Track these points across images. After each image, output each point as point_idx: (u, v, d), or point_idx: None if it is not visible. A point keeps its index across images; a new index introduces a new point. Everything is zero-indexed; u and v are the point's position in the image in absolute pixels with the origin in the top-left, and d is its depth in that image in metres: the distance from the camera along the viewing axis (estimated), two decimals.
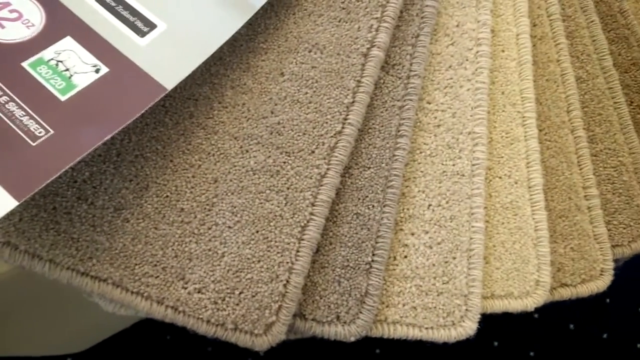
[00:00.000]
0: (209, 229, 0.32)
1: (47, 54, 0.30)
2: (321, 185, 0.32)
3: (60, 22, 0.31)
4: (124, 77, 0.29)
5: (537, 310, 0.35)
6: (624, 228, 0.38)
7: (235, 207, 0.32)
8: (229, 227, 0.32)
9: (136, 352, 0.73)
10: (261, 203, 0.32)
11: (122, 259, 0.31)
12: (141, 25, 0.31)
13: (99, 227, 0.31)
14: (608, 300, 0.76)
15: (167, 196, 0.32)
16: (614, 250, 0.37)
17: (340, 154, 0.32)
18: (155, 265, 0.31)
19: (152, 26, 0.31)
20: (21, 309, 0.46)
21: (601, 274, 0.36)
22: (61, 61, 0.30)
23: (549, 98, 0.37)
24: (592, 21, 0.39)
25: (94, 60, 0.30)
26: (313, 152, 0.33)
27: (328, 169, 0.32)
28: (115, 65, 0.30)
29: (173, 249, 0.31)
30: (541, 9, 0.38)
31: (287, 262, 0.31)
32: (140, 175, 0.32)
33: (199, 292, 0.31)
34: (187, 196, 0.32)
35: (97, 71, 0.29)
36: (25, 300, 0.45)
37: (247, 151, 0.33)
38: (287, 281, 0.31)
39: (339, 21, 0.34)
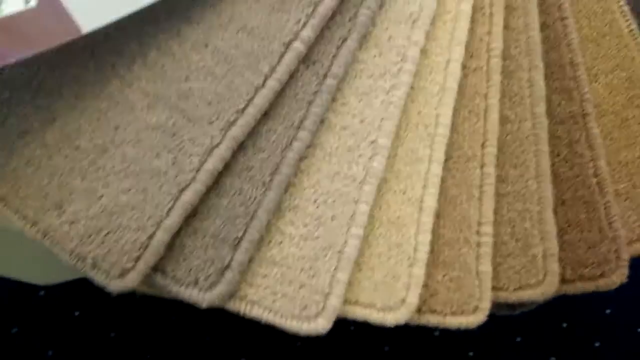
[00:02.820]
0: (97, 170, 0.33)
1: None
2: (210, 155, 0.33)
3: None
4: (46, 14, 0.32)
5: None
6: (513, 273, 0.37)
7: (126, 156, 0.34)
8: (115, 172, 0.33)
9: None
10: (150, 158, 0.34)
11: (12, 177, 0.33)
12: None
13: (1, 146, 0.34)
14: None
15: (69, 132, 0.34)
16: (498, 293, 0.37)
17: (236, 131, 0.34)
18: (39, 190, 0.33)
19: None
20: None
21: (474, 311, 0.35)
22: None
23: (467, 129, 0.37)
24: (534, 66, 0.39)
25: None
26: (212, 122, 0.34)
27: (221, 141, 0.34)
28: (43, 1, 0.32)
29: (59, 180, 0.33)
30: (483, 43, 0.38)
31: (158, 217, 0.32)
32: (51, 107, 0.34)
33: (70, 223, 0.33)
34: (87, 136, 0.34)
35: (26, 2, 0.32)
36: None
37: (152, 108, 0.34)
38: (153, 234, 0.32)
39: (273, 9, 0.36)
